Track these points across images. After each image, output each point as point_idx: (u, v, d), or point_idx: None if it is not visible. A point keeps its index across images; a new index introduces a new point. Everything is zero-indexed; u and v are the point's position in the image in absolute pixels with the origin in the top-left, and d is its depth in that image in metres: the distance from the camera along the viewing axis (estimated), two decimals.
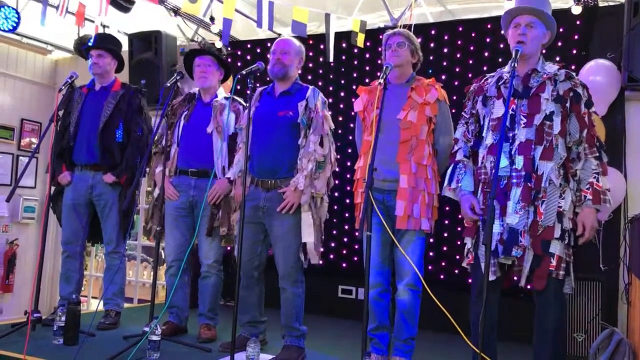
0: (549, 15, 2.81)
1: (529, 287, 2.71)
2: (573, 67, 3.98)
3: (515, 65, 2.66)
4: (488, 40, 4.65)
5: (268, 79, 3.48)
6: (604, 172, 2.68)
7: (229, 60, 5.58)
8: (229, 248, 3.94)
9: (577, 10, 4.29)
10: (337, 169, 3.45)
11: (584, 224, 2.64)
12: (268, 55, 3.45)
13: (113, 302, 3.95)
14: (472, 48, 4.73)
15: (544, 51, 2.92)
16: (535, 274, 2.63)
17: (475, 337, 2.65)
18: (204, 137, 3.68)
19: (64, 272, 3.99)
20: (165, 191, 3.66)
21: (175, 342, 3.45)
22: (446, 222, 4.59)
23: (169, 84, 3.53)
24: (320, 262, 3.34)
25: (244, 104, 3.78)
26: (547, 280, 2.62)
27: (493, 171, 2.66)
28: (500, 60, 4.50)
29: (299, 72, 3.52)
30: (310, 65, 5.27)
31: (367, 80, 4.79)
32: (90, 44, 4.10)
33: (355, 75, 5.13)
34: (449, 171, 2.97)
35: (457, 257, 4.50)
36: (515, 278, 2.77)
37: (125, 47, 5.50)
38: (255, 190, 3.35)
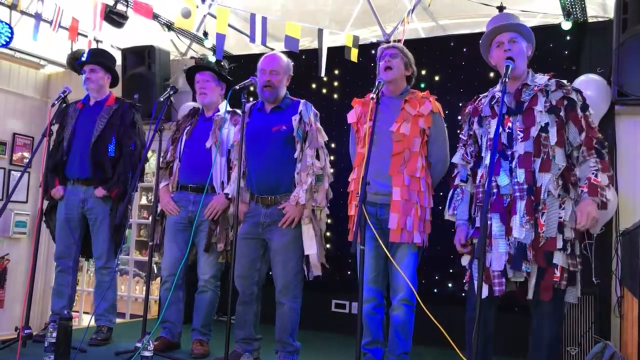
0: (526, 27, 2.85)
1: (527, 298, 2.69)
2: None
3: (507, 80, 2.68)
4: (479, 55, 4.68)
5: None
6: (604, 169, 2.63)
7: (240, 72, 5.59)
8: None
9: (567, 25, 4.35)
10: (331, 181, 3.45)
11: (581, 211, 2.60)
12: (257, 72, 3.44)
13: (105, 318, 3.91)
14: (463, 63, 4.77)
15: (534, 66, 2.95)
16: (540, 286, 2.62)
17: (470, 352, 2.64)
18: (205, 152, 3.68)
19: (57, 286, 3.96)
20: (165, 206, 3.67)
21: (168, 357, 3.43)
22: (440, 235, 4.59)
23: (162, 99, 3.53)
24: (320, 273, 3.32)
25: None
26: (552, 292, 2.60)
27: (493, 191, 2.69)
28: (491, 75, 4.54)
29: (290, 85, 3.52)
30: (303, 80, 5.30)
31: (359, 95, 4.83)
32: (83, 59, 4.10)
33: (347, 90, 5.15)
34: (449, 195, 2.99)
35: (451, 270, 4.50)
36: (524, 292, 2.74)
37: (118, 61, 5.52)
38: (255, 207, 3.35)
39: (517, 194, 2.68)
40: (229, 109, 3.81)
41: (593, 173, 2.62)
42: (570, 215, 2.66)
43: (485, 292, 2.68)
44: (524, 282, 2.69)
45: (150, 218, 3.82)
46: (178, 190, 3.72)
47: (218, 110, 3.80)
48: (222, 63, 5.07)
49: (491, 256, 2.69)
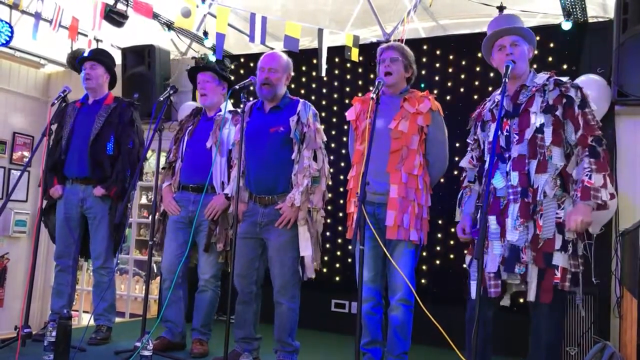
0: (528, 30, 2.85)
1: (529, 300, 2.68)
2: None
3: (507, 80, 2.67)
4: (479, 55, 4.67)
5: None
6: (599, 169, 2.59)
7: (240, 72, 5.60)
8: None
9: (567, 25, 4.34)
10: (329, 183, 3.46)
11: (569, 218, 2.57)
12: (256, 71, 3.44)
13: (104, 318, 3.90)
14: (463, 63, 4.77)
15: (534, 66, 2.95)
16: (542, 287, 2.61)
17: (470, 352, 2.64)
18: (205, 153, 3.67)
19: (56, 286, 3.95)
20: (167, 206, 3.68)
21: (168, 357, 3.43)
22: (439, 235, 4.60)
23: (162, 98, 3.52)
24: (314, 275, 3.32)
25: None
26: (553, 293, 2.59)
27: (491, 189, 2.69)
28: (492, 75, 4.55)
29: (290, 84, 3.51)
30: (303, 79, 5.30)
31: (359, 95, 4.85)
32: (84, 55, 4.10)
33: (347, 89, 5.16)
34: (458, 197, 3.03)
35: (450, 270, 4.50)
36: (520, 298, 2.74)
37: (118, 61, 5.53)
38: (253, 206, 3.35)
39: (511, 197, 2.69)
40: (230, 108, 3.80)
41: (586, 175, 2.59)
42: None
43: (473, 295, 2.69)
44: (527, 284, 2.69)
45: (150, 217, 3.82)
46: (179, 190, 3.73)
47: (220, 110, 3.80)
48: (225, 62, 5.07)
49: (487, 257, 2.70)
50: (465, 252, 2.96)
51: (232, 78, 5.53)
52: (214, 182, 3.63)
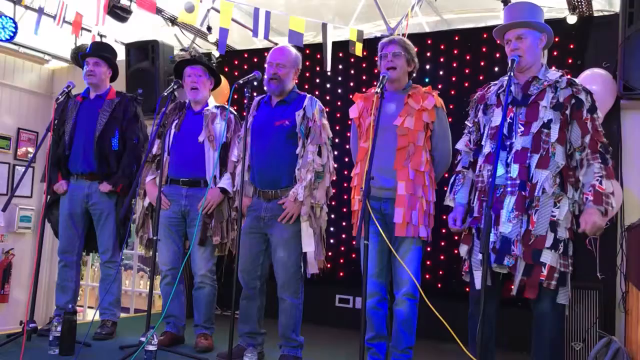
0: (536, 20, 2.81)
1: (520, 296, 2.68)
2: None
3: (512, 74, 2.67)
4: (484, 49, 4.67)
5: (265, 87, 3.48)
6: (609, 175, 2.62)
7: (225, 69, 5.60)
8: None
9: (572, 19, 4.32)
10: (334, 178, 3.45)
11: (585, 220, 2.58)
12: (265, 65, 3.45)
13: (109, 312, 3.93)
14: (468, 57, 4.75)
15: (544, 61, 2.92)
16: (527, 283, 2.61)
17: (474, 347, 2.64)
18: (195, 146, 3.65)
19: (60, 281, 3.97)
20: (155, 200, 3.65)
21: (172, 352, 3.44)
22: (443, 230, 4.59)
23: (166, 93, 3.51)
24: (317, 271, 3.32)
25: (234, 113, 3.78)
26: (538, 290, 2.60)
27: (490, 180, 2.67)
28: (496, 69, 4.53)
29: (296, 81, 3.51)
30: (307, 74, 5.29)
31: (363, 90, 4.83)
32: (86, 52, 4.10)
33: (352, 84, 5.15)
34: (450, 181, 3.01)
35: (455, 265, 4.49)
36: (512, 287, 2.75)
37: (122, 56, 5.52)
38: (257, 201, 3.35)
39: (509, 188, 2.68)
40: (217, 104, 3.79)
41: (597, 180, 2.60)
42: (565, 214, 2.64)
43: (477, 285, 2.68)
44: (509, 276, 2.68)
45: (140, 212, 3.82)
46: (168, 184, 3.69)
47: (207, 105, 3.78)
48: (211, 56, 5.07)
49: (477, 243, 2.71)
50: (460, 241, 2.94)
51: (236, 74, 5.53)
52: (207, 176, 3.61)
